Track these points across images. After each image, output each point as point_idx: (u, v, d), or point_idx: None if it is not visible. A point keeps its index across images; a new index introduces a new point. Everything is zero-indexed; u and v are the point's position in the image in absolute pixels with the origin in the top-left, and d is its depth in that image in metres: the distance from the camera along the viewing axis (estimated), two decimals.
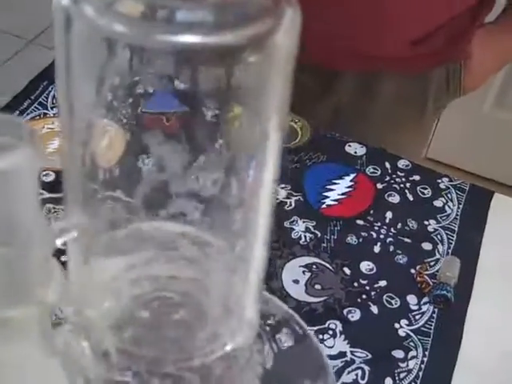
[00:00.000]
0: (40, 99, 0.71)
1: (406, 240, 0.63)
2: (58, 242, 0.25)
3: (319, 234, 0.62)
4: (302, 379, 0.43)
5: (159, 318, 0.30)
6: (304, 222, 0.63)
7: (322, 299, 0.57)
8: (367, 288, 0.59)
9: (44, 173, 0.60)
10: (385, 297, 0.58)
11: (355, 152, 0.71)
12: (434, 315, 0.57)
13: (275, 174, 0.29)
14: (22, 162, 0.21)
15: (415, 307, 0.58)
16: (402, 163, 0.71)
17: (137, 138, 0.28)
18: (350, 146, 0.71)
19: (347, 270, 0.60)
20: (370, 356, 0.53)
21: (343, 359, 0.53)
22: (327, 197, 0.66)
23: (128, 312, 0.30)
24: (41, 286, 0.24)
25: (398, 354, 0.54)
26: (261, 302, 0.35)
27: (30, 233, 0.23)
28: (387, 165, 0.70)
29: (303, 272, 0.59)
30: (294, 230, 0.63)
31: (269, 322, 0.48)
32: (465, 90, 0.83)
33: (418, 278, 0.60)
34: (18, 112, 0.69)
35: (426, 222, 0.65)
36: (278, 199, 0.65)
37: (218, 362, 0.31)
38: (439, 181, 0.69)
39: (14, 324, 0.24)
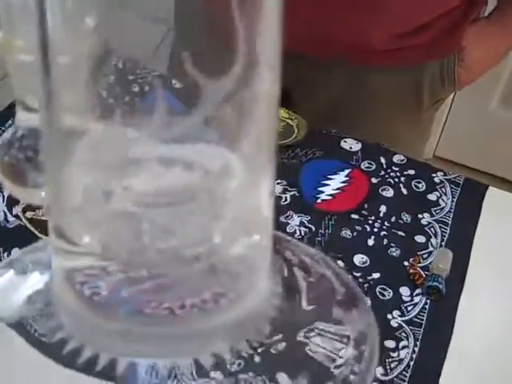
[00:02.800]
0: None
1: (400, 233, 0.64)
2: None
3: (314, 228, 0.64)
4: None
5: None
6: (299, 216, 0.64)
7: None
8: (360, 280, 0.59)
9: None
10: (378, 288, 0.59)
11: (350, 148, 0.72)
12: (427, 306, 0.58)
13: None
14: None
15: (407, 298, 0.59)
16: (396, 158, 0.71)
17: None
18: (345, 141, 0.73)
19: (341, 263, 0.61)
20: None
21: None
22: (322, 192, 0.67)
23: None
24: None
25: (390, 344, 0.55)
26: None
27: None
28: (382, 160, 0.71)
29: None
30: (289, 224, 0.64)
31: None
32: (459, 85, 0.84)
33: (411, 270, 0.61)
34: None
35: (419, 216, 0.66)
36: None
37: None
38: (434, 175, 0.70)
39: None
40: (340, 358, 0.33)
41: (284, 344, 0.33)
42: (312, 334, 0.35)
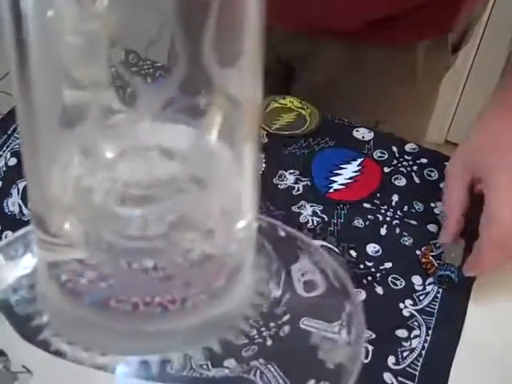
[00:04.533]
0: None
1: (412, 222, 0.64)
2: None
3: (326, 218, 0.64)
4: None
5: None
6: (311, 206, 0.65)
7: None
8: (373, 270, 0.60)
9: None
10: (390, 278, 0.59)
11: (363, 137, 0.72)
12: (439, 295, 0.58)
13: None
14: None
15: (420, 288, 0.59)
16: (409, 147, 0.71)
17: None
18: (357, 131, 0.73)
19: (353, 253, 0.61)
20: (374, 336, 0.54)
21: None
22: (335, 181, 0.67)
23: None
24: None
25: (402, 333, 0.55)
26: None
27: None
28: (394, 149, 0.71)
29: None
30: (301, 214, 0.64)
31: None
32: None
33: (423, 260, 0.61)
34: None
35: (432, 205, 0.66)
36: (286, 184, 0.66)
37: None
38: (446, 163, 0.69)
39: None
40: (334, 342, 0.37)
41: (288, 327, 0.36)
42: (308, 323, 0.38)
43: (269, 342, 0.36)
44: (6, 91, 1.66)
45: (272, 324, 0.37)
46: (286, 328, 0.37)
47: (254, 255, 0.34)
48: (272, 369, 0.36)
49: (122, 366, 0.34)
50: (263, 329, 0.36)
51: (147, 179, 0.29)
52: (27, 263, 0.37)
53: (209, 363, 0.35)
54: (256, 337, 0.36)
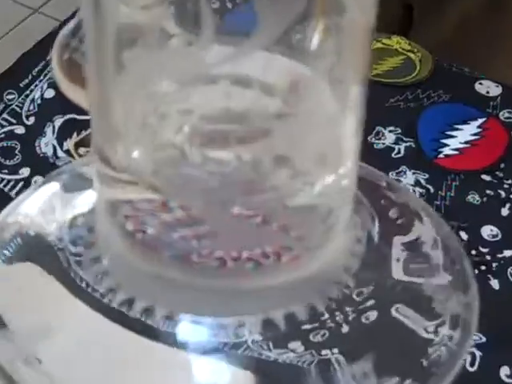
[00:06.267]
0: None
1: None
2: None
3: (432, 190, 0.55)
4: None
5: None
6: (414, 173, 0.56)
7: None
8: (488, 258, 0.51)
9: None
10: (509, 270, 0.51)
11: (487, 92, 0.62)
12: None
13: None
14: None
15: None
16: None
17: None
18: (481, 84, 0.62)
19: (464, 235, 0.52)
20: (484, 339, 0.46)
21: None
22: (446, 145, 0.58)
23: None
24: None
25: None
26: None
27: None
28: None
29: None
30: (401, 182, 0.55)
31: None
32: None
33: None
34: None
35: None
36: (384, 144, 0.58)
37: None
38: None
39: None
40: (435, 336, 0.33)
41: (376, 313, 0.32)
42: (403, 307, 0.34)
43: (345, 329, 0.32)
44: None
45: (350, 308, 0.32)
46: (373, 314, 0.33)
47: (351, 205, 0.32)
48: (342, 359, 0.32)
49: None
50: (337, 313, 0.32)
51: (224, 112, 0.26)
52: (84, 200, 0.35)
53: (270, 343, 0.31)
54: (328, 321, 0.32)
